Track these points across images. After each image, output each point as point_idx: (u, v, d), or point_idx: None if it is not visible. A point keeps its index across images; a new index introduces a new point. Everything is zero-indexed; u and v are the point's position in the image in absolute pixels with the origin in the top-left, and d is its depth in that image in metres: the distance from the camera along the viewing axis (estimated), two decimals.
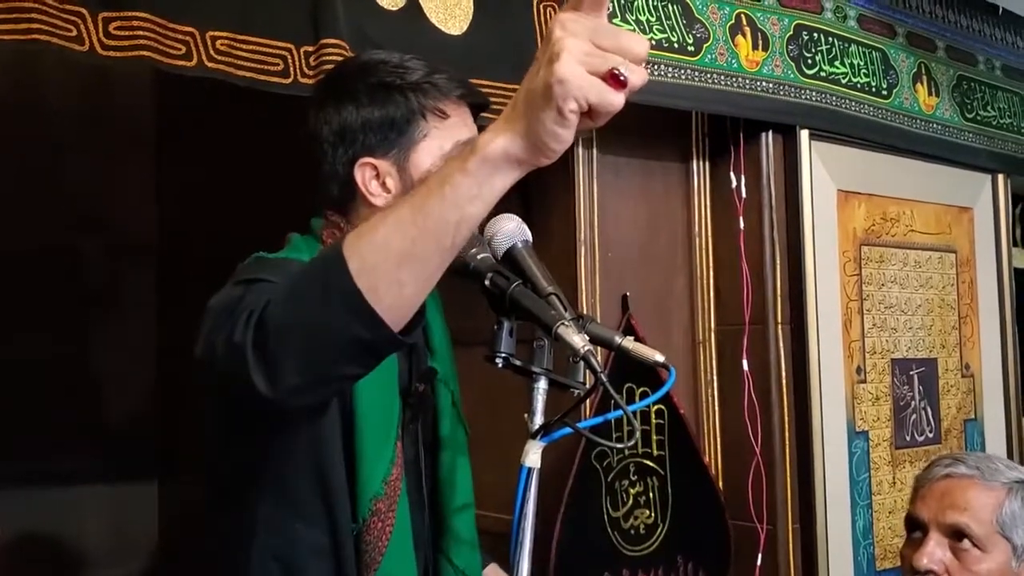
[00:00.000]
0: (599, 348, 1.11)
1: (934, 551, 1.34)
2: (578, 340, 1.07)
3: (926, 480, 1.41)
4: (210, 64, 1.43)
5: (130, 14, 1.35)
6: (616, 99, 0.77)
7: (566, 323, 1.08)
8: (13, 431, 2.66)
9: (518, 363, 1.12)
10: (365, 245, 0.87)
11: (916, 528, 1.40)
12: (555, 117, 0.78)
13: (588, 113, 0.79)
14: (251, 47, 1.46)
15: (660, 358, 1.12)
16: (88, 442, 2.92)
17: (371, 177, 1.22)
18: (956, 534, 1.34)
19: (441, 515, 1.29)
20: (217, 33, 1.44)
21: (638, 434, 1.06)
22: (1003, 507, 1.34)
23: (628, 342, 1.14)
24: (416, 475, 1.24)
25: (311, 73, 1.49)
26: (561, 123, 0.78)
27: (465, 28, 1.71)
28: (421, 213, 0.85)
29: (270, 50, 1.48)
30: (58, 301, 2.96)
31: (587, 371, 1.10)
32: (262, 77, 1.47)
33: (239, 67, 1.45)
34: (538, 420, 1.10)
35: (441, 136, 1.23)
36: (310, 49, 1.50)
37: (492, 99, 1.69)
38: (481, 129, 0.96)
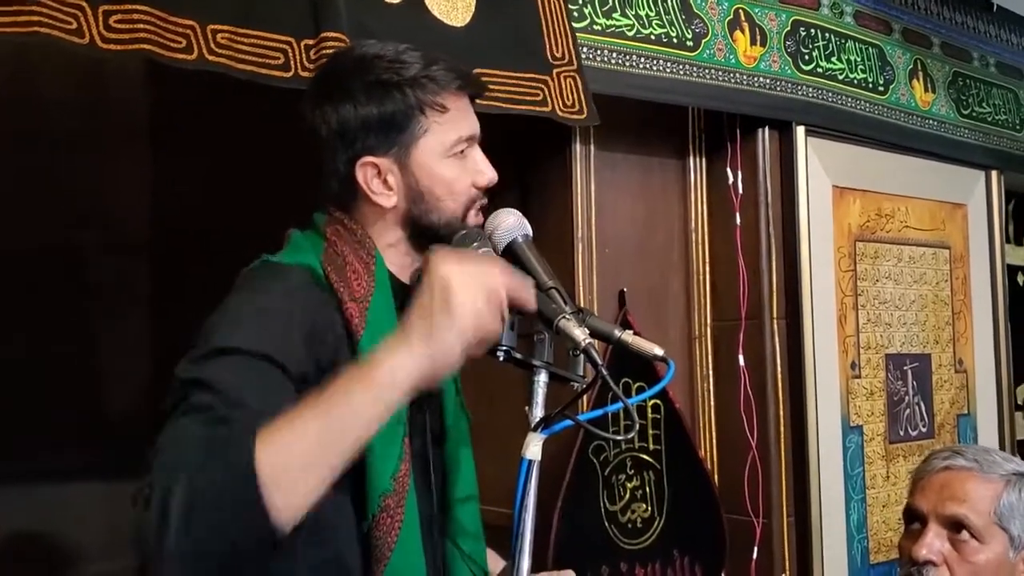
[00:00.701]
0: (596, 342, 1.12)
1: (933, 542, 1.35)
2: (579, 333, 1.08)
3: (925, 472, 1.42)
4: (210, 57, 1.42)
5: (130, 7, 1.34)
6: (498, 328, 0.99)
7: (567, 316, 1.09)
8: (10, 429, 2.66)
9: (519, 356, 1.13)
10: (276, 457, 0.89)
11: (915, 520, 1.41)
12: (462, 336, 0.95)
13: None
14: (252, 40, 1.46)
15: (659, 352, 1.13)
16: (84, 440, 2.91)
17: (373, 176, 1.22)
18: (955, 525, 1.35)
19: (446, 504, 1.29)
20: (217, 26, 1.43)
21: (638, 427, 1.06)
22: (1001, 499, 1.35)
23: (627, 336, 1.14)
24: (423, 465, 1.24)
25: (311, 67, 1.49)
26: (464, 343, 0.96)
27: (468, 19, 1.71)
28: (327, 431, 0.91)
29: (271, 43, 1.47)
30: (53, 298, 2.94)
31: (586, 365, 1.11)
32: (263, 71, 1.46)
33: (239, 61, 1.44)
34: (538, 413, 1.11)
35: (442, 131, 1.22)
36: (311, 42, 1.50)
37: (496, 89, 1.70)
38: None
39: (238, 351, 1.03)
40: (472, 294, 0.97)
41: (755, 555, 2.18)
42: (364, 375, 0.94)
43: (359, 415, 0.93)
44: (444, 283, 0.96)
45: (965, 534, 1.35)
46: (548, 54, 1.81)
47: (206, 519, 0.88)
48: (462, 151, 1.23)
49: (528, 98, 1.76)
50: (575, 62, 1.84)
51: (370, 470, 1.13)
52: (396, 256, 1.24)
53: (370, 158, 1.21)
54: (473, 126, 1.25)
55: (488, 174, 1.24)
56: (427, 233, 1.23)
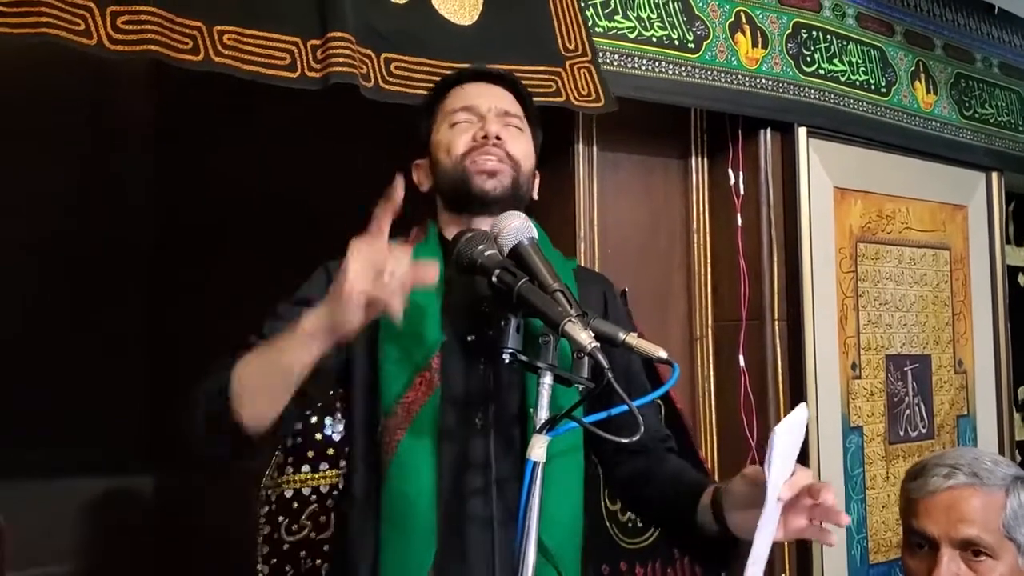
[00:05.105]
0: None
1: (950, 567, 1.34)
2: (585, 337, 1.09)
3: (924, 492, 1.39)
4: (217, 59, 1.42)
5: (138, 8, 1.35)
6: (382, 290, 1.09)
7: (573, 320, 1.10)
8: (13, 426, 2.68)
9: (524, 359, 1.14)
10: (237, 383, 1.19)
11: (922, 542, 1.39)
12: (343, 304, 1.10)
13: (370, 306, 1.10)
14: (258, 41, 1.46)
15: (663, 354, 1.14)
16: (86, 436, 2.93)
17: (417, 174, 1.44)
18: (967, 545, 1.35)
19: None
20: (224, 27, 1.44)
21: (642, 429, 1.07)
22: (1006, 509, 1.34)
23: (632, 338, 1.15)
24: (482, 406, 1.31)
25: (318, 67, 1.49)
26: (347, 308, 1.10)
27: (476, 17, 1.72)
28: (263, 367, 1.18)
29: (277, 44, 1.48)
30: (54, 297, 2.96)
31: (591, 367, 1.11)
32: (269, 71, 1.47)
33: (246, 61, 1.45)
34: (543, 415, 1.12)
35: (443, 112, 1.41)
36: (317, 43, 1.50)
37: None
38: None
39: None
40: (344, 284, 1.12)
41: None
42: (286, 332, 1.17)
43: (283, 355, 1.16)
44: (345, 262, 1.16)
45: (979, 553, 1.35)
46: (560, 47, 1.81)
47: (205, 417, 1.21)
48: (463, 120, 1.38)
49: (541, 90, 1.77)
50: (589, 53, 1.84)
51: (380, 389, 1.30)
52: (447, 225, 1.40)
53: (416, 161, 1.45)
54: (472, 98, 1.39)
55: (486, 128, 1.35)
56: (445, 195, 1.40)
